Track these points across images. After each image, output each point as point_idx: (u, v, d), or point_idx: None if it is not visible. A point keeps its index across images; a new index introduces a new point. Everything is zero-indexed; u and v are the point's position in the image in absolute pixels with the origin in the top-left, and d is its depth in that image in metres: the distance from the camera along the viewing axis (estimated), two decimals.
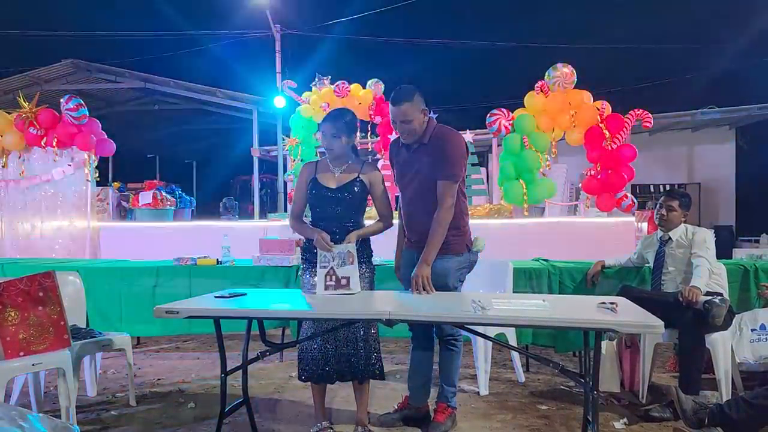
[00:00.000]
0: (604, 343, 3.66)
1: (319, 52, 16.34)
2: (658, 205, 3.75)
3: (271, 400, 3.60)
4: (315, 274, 2.92)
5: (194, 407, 3.49)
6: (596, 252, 4.24)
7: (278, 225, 6.32)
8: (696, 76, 16.80)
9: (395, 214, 3.18)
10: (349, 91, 7.45)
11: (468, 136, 7.38)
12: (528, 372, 4.13)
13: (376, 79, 7.57)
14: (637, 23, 20.13)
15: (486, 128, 6.64)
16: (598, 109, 6.22)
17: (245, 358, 2.95)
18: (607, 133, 6.10)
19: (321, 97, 7.48)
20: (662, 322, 2.24)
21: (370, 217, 3.08)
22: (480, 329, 2.90)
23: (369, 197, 3.06)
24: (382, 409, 3.30)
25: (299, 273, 3.17)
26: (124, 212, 9.04)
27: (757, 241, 10.59)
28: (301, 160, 7.49)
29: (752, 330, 3.62)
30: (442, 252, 2.92)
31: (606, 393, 3.63)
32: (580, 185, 6.70)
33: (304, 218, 3.12)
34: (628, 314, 2.44)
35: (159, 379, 4.11)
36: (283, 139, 9.37)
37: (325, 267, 2.85)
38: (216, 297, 2.87)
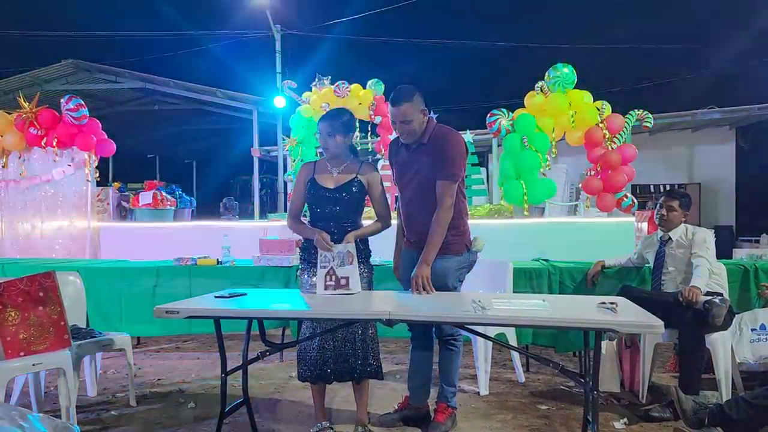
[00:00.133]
0: (604, 343, 3.66)
1: (319, 52, 16.36)
2: (658, 205, 3.75)
3: (271, 400, 3.61)
4: (313, 274, 2.92)
5: (194, 407, 3.49)
6: (596, 252, 4.24)
7: (278, 225, 6.32)
8: (696, 76, 16.81)
9: (393, 214, 3.18)
10: (349, 91, 7.45)
11: (468, 136, 7.37)
12: (528, 372, 4.14)
13: (376, 79, 7.58)
14: (637, 23, 20.14)
15: (486, 128, 6.64)
16: (598, 109, 6.22)
17: (245, 358, 2.95)
18: (607, 133, 6.11)
19: (321, 97, 7.48)
20: (662, 322, 2.24)
21: (369, 218, 3.08)
22: (480, 329, 2.90)
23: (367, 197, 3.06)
24: (382, 409, 3.30)
25: (297, 273, 3.16)
26: (124, 212, 9.03)
27: (757, 241, 10.61)
28: (301, 160, 7.49)
29: (752, 330, 3.62)
30: (441, 252, 2.92)
31: (606, 393, 3.63)
32: (580, 185, 6.70)
33: (302, 218, 3.12)
34: (628, 314, 2.44)
35: (159, 379, 4.11)
36: (283, 139, 9.38)
37: (325, 267, 2.85)
38: (216, 297, 2.87)
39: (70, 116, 6.17)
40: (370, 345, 2.95)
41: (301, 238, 3.15)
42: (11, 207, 6.58)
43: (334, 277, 2.85)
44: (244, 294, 2.92)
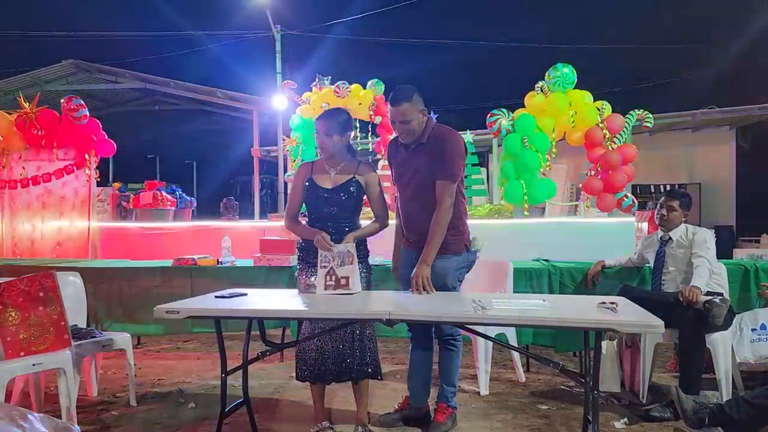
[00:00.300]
0: (604, 343, 3.66)
1: (319, 52, 16.38)
2: (658, 205, 3.75)
3: (271, 400, 3.60)
4: (312, 275, 2.92)
5: (194, 407, 3.49)
6: (596, 252, 4.24)
7: (278, 225, 6.32)
8: (696, 76, 16.82)
9: (391, 214, 3.18)
10: (349, 91, 7.45)
11: (468, 136, 7.37)
12: (528, 372, 4.13)
13: (376, 80, 7.57)
14: (637, 23, 20.14)
15: (486, 128, 6.64)
16: (599, 109, 6.22)
17: (245, 358, 2.94)
18: (607, 133, 6.11)
19: (321, 98, 7.48)
20: (662, 322, 2.24)
21: (369, 218, 3.08)
22: (480, 329, 2.90)
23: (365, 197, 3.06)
24: (382, 409, 3.30)
25: (296, 274, 3.16)
26: (124, 212, 9.03)
27: (758, 241, 10.59)
28: (301, 160, 7.49)
29: (752, 330, 3.62)
30: (440, 252, 2.92)
31: (606, 393, 3.63)
32: (580, 185, 6.70)
33: (301, 218, 3.12)
34: (629, 314, 2.44)
35: (159, 379, 4.10)
36: (283, 140, 9.37)
37: (325, 267, 2.85)
38: (216, 297, 2.87)
39: (71, 116, 6.17)
40: (368, 345, 2.95)
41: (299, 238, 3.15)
42: (11, 207, 6.58)
43: (334, 277, 2.84)
44: (244, 294, 2.92)
